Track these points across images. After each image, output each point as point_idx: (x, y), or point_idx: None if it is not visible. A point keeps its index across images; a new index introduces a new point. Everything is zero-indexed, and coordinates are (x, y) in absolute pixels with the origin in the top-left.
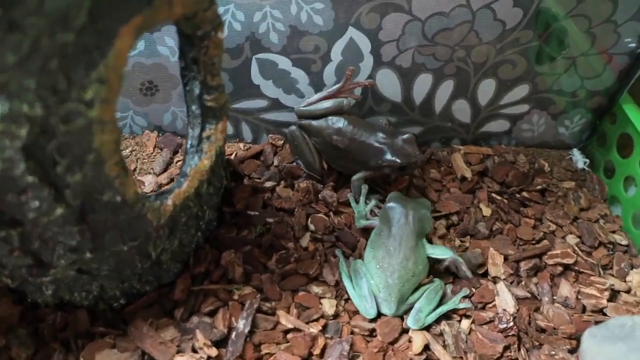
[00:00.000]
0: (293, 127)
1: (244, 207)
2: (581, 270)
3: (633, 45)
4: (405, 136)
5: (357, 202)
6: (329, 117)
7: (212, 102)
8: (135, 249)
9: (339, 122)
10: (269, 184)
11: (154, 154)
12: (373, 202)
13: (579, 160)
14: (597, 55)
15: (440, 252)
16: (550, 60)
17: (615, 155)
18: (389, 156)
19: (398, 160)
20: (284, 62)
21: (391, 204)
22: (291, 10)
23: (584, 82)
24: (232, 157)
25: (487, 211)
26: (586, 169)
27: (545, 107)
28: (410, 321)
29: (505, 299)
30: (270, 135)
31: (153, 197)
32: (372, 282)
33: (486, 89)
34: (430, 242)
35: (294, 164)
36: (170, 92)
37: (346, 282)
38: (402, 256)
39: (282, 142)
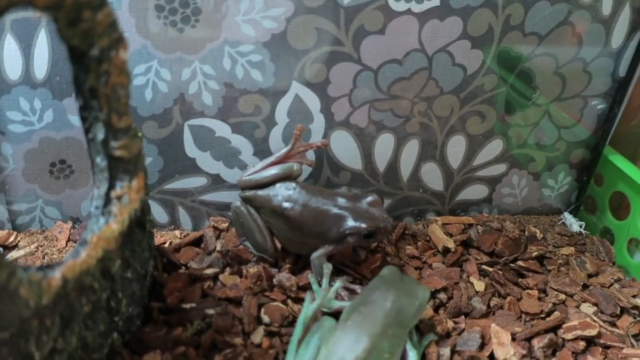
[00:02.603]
0: (237, 203)
1: (178, 300)
2: (608, 343)
3: (605, 88)
4: (370, 198)
5: (319, 284)
6: (277, 185)
7: (122, 150)
8: (4, 345)
9: (289, 188)
10: (210, 271)
11: (66, 248)
12: (339, 284)
13: (573, 223)
14: (571, 100)
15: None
16: (521, 107)
17: (611, 219)
18: (351, 222)
19: (363, 226)
20: (221, 129)
21: (378, 280)
22: (224, 64)
23: (562, 132)
24: (166, 246)
25: (479, 285)
26: (583, 232)
27: (525, 165)
28: None
29: None
30: (212, 218)
31: (33, 268)
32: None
33: (456, 148)
34: (417, 327)
35: (241, 246)
36: (89, 174)
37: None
38: (357, 343)
39: (226, 224)
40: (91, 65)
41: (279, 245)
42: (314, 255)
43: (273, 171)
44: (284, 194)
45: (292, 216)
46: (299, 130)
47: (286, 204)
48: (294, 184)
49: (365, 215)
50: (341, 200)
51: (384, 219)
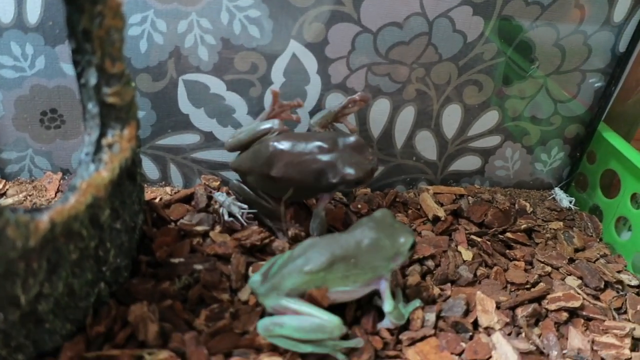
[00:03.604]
0: (233, 181)
1: (167, 255)
2: (591, 315)
3: (604, 63)
4: (351, 140)
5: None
6: (255, 146)
7: (114, 97)
8: None
9: (266, 149)
10: (200, 228)
11: (55, 199)
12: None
13: (563, 199)
14: (569, 73)
15: (387, 304)
16: (519, 78)
17: (601, 197)
18: (339, 170)
19: (353, 173)
20: (216, 85)
21: (368, 218)
22: (222, 18)
23: (558, 106)
24: (157, 201)
25: (467, 254)
26: (573, 207)
27: (519, 138)
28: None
29: (505, 354)
30: (203, 176)
31: (21, 210)
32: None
33: (451, 117)
34: (403, 292)
35: (256, 222)
36: (80, 125)
37: None
38: (318, 257)
39: (217, 183)
40: (85, 5)
41: (283, 209)
42: (314, 215)
43: (252, 126)
44: (263, 157)
45: (277, 177)
46: (275, 94)
47: (268, 168)
48: (269, 142)
49: (352, 161)
50: (323, 148)
51: (370, 161)
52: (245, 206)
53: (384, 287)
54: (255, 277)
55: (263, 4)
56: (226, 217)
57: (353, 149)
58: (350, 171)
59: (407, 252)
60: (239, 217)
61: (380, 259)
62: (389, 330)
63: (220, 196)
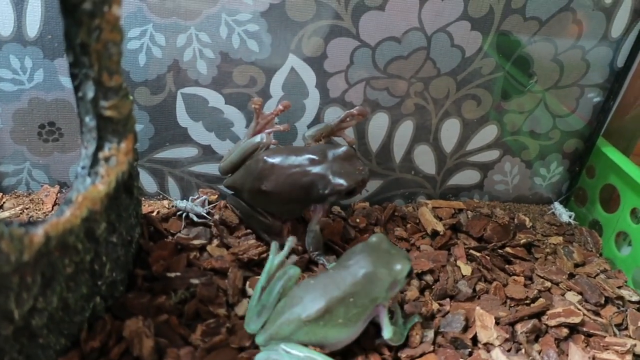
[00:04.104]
0: (230, 196)
1: (163, 269)
2: (591, 331)
3: (603, 78)
4: (341, 151)
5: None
6: (246, 163)
7: (112, 110)
8: None
9: (257, 164)
10: (197, 242)
11: (52, 212)
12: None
13: (563, 213)
14: (568, 88)
15: (386, 331)
16: (518, 93)
17: (601, 211)
18: (330, 181)
19: (344, 183)
20: (215, 99)
21: (362, 245)
22: (220, 32)
23: (556, 121)
24: (154, 215)
25: (466, 269)
26: (572, 222)
27: (518, 152)
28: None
29: None
30: (201, 189)
31: (15, 223)
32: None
33: (450, 131)
34: (402, 307)
35: (253, 236)
36: (78, 138)
37: (263, 276)
38: (313, 303)
39: (215, 196)
40: (83, 19)
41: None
42: (309, 229)
43: (241, 147)
44: (253, 172)
45: (269, 191)
46: (256, 103)
47: (258, 183)
48: (258, 158)
49: (342, 171)
50: (311, 160)
51: (361, 171)
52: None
53: (383, 314)
54: (251, 323)
55: (262, 19)
56: (196, 219)
57: (343, 160)
58: (340, 181)
59: (404, 279)
60: (204, 214)
61: (379, 290)
62: (387, 346)
63: (180, 203)
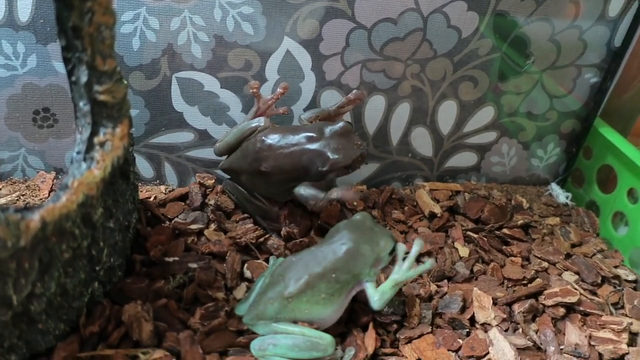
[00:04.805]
0: (227, 180)
1: (161, 254)
2: (588, 310)
3: (600, 58)
4: (338, 127)
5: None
6: (243, 145)
7: (106, 94)
8: None
9: (254, 145)
10: (194, 227)
11: (49, 198)
12: None
13: (560, 194)
14: (565, 69)
15: (375, 303)
16: (514, 74)
17: (598, 192)
18: (328, 157)
19: (342, 159)
20: (210, 83)
21: (346, 223)
22: (215, 15)
23: (553, 101)
24: (151, 200)
25: (464, 251)
26: (569, 203)
27: (515, 134)
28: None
29: (502, 350)
30: (198, 174)
31: (12, 209)
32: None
33: (447, 113)
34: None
35: (251, 220)
36: (73, 123)
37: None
38: (296, 281)
39: (212, 181)
40: (74, 2)
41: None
42: (296, 190)
43: (239, 128)
44: (251, 153)
45: (268, 171)
46: (253, 87)
47: (257, 163)
48: (255, 139)
49: (339, 147)
50: (308, 137)
51: (359, 146)
52: None
53: (368, 288)
54: (241, 306)
55: (256, 1)
56: None
57: (340, 136)
58: (338, 157)
59: (387, 256)
60: None
61: (361, 266)
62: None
63: None
